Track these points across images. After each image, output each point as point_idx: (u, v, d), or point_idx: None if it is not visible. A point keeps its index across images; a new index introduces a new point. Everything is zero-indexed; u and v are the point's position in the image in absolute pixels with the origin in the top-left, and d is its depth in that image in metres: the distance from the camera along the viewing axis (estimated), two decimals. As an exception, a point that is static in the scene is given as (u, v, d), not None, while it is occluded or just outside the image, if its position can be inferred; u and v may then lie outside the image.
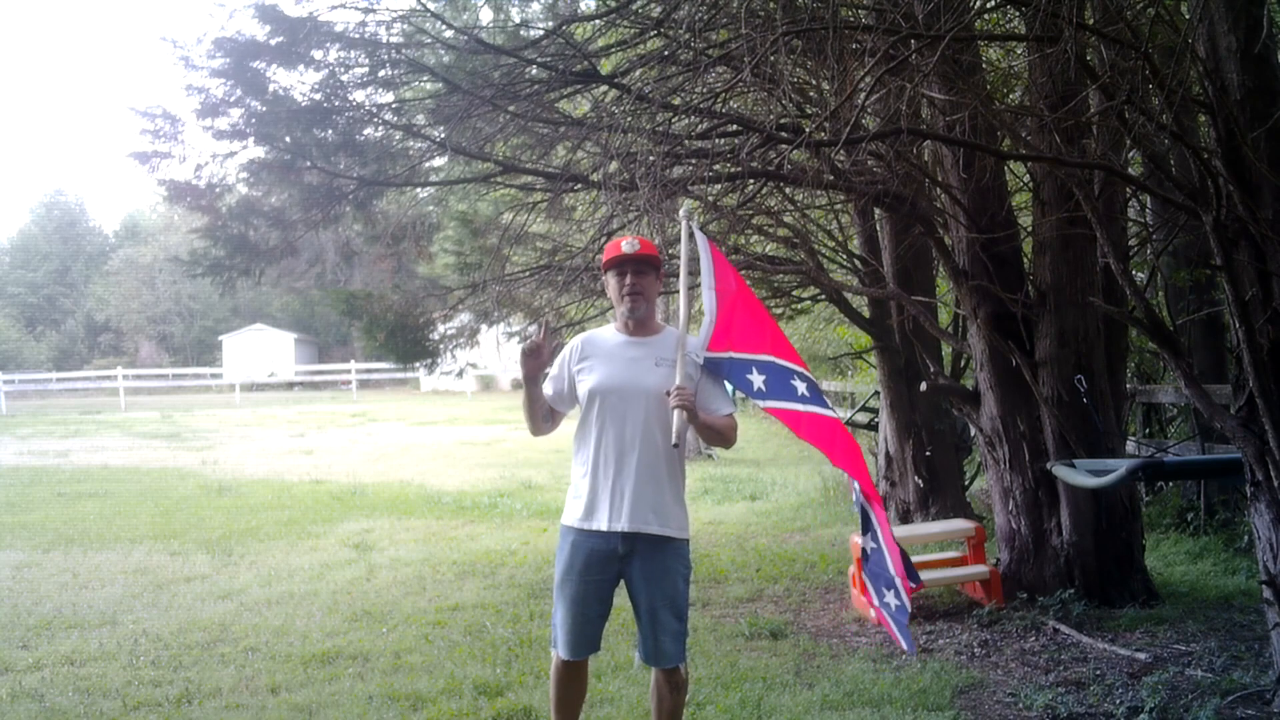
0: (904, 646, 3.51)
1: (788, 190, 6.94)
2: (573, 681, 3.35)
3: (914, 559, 6.24)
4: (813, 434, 3.38)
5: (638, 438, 3.20)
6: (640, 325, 3.33)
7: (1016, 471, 5.65)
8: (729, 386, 3.43)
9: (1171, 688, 4.13)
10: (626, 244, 3.31)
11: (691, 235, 3.53)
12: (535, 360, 3.30)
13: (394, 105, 6.26)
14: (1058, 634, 5.02)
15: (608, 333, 3.41)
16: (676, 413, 3.12)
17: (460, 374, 8.83)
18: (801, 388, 3.41)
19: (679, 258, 3.57)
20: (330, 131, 5.81)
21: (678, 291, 3.61)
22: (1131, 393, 7.79)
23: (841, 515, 8.92)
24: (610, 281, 3.36)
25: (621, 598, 3.32)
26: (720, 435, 3.29)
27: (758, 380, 3.36)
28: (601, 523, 3.21)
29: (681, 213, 3.59)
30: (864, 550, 3.56)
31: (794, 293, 8.72)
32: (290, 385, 39.91)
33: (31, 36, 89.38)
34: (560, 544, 3.32)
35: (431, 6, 6.26)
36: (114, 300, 49.26)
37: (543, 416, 3.44)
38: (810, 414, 3.38)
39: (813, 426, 3.37)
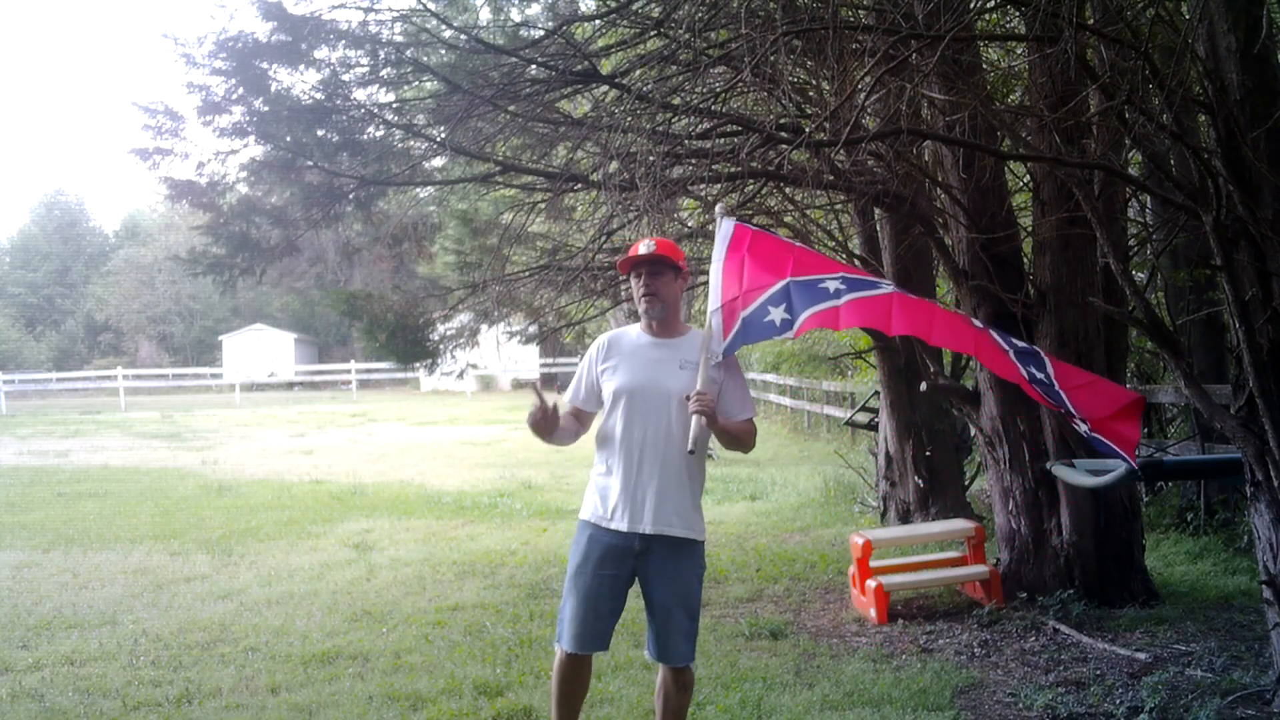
0: (1130, 464, 3.40)
1: (788, 190, 6.94)
2: (575, 677, 3.34)
3: (913, 559, 6.26)
4: (860, 318, 3.37)
5: (661, 440, 3.21)
6: (663, 326, 3.35)
7: (1016, 471, 5.65)
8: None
9: (1171, 688, 4.13)
10: (644, 246, 3.33)
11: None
12: (544, 420, 3.28)
13: (395, 105, 6.26)
14: (1058, 634, 5.02)
15: (633, 332, 3.43)
16: (695, 419, 3.13)
17: (460, 374, 8.82)
18: (834, 285, 3.36)
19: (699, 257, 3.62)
20: (331, 131, 5.82)
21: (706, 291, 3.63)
22: (1131, 393, 7.78)
23: (841, 515, 8.93)
24: (632, 284, 3.41)
25: (632, 596, 3.34)
26: (738, 440, 3.30)
27: (778, 315, 3.32)
28: (622, 524, 3.22)
29: (718, 210, 3.61)
30: (1031, 379, 3.44)
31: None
32: (290, 385, 39.88)
33: (31, 34, 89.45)
34: (577, 537, 3.34)
35: (432, 6, 6.26)
36: (114, 300, 49.24)
37: (570, 436, 3.45)
38: (851, 302, 3.35)
39: (856, 312, 3.35)
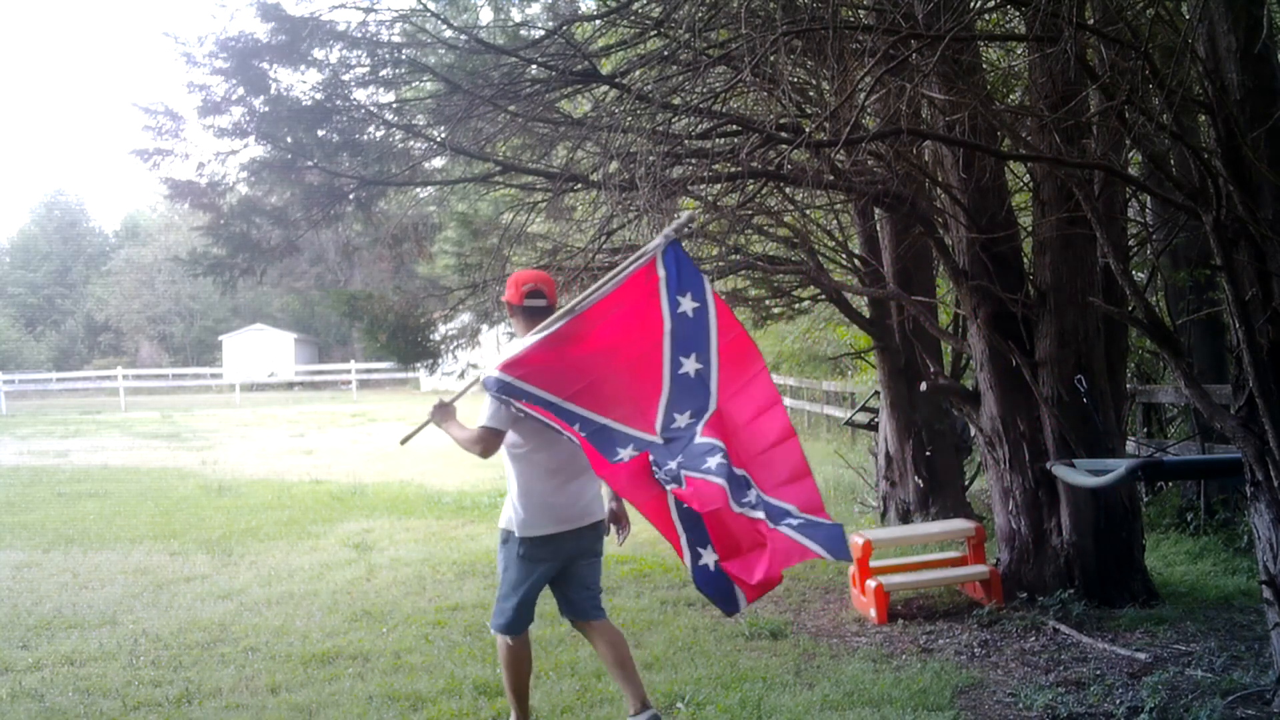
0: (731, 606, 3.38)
1: (788, 190, 6.94)
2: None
3: (913, 559, 6.25)
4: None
5: None
6: None
7: (1016, 471, 5.65)
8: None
9: (1171, 688, 4.13)
10: None
11: (675, 257, 3.62)
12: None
13: (395, 105, 6.27)
14: (1058, 634, 5.02)
15: None
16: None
17: (461, 374, 8.82)
18: (589, 428, 3.58)
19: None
20: (332, 131, 5.82)
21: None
22: (1131, 393, 7.79)
23: (841, 515, 8.92)
24: None
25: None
26: (460, 443, 3.86)
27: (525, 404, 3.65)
28: None
29: (681, 218, 3.68)
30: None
31: (794, 293, 8.73)
32: (290, 385, 39.82)
33: (32, 34, 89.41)
34: None
35: (432, 6, 6.26)
36: (114, 300, 49.17)
37: None
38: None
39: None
